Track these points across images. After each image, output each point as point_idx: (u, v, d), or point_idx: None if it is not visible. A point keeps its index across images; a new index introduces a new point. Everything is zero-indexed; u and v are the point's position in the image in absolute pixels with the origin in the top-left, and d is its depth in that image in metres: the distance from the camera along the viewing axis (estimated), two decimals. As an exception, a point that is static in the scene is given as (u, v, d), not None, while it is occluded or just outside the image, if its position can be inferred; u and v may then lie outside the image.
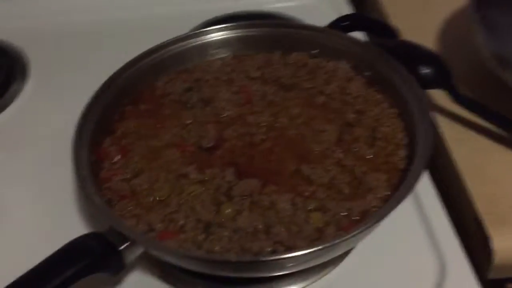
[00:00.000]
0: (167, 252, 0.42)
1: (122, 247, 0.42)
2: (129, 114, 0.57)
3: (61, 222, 0.54)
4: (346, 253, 0.49)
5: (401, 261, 0.49)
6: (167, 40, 0.62)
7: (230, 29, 0.63)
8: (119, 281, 0.48)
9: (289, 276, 0.47)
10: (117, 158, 0.52)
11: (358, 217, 0.46)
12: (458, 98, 0.56)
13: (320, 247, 0.40)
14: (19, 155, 0.63)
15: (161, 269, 0.49)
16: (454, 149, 0.56)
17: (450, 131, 0.57)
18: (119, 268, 0.42)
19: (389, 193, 0.47)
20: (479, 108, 0.56)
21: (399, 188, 0.45)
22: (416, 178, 0.44)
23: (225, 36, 0.63)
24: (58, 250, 0.40)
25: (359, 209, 0.46)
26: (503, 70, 0.56)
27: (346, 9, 0.81)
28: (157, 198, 0.48)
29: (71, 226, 0.53)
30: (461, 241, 0.50)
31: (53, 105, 0.69)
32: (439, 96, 0.59)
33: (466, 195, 0.52)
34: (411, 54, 0.58)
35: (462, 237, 0.50)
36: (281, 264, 0.42)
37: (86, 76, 0.70)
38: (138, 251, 0.43)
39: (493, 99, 0.57)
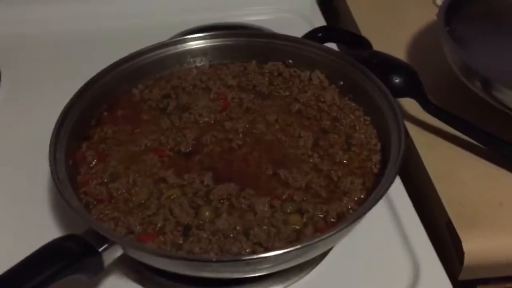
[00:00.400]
0: (148, 253, 0.42)
1: (101, 248, 0.42)
2: (106, 119, 0.57)
3: (36, 228, 0.53)
4: (323, 256, 0.50)
5: (376, 263, 0.50)
6: (144, 48, 0.62)
7: (207, 38, 0.64)
8: (96, 285, 0.48)
9: (267, 277, 0.48)
10: (94, 162, 0.52)
11: (334, 219, 0.47)
12: (428, 107, 0.58)
13: (298, 247, 0.41)
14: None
15: (139, 274, 0.49)
16: (424, 155, 0.58)
17: (420, 138, 0.59)
18: (98, 270, 0.42)
19: (364, 196, 0.49)
20: (448, 117, 0.58)
21: (373, 191, 0.46)
22: (389, 182, 0.45)
23: (202, 45, 0.64)
24: (35, 251, 0.40)
25: (335, 211, 0.47)
26: (470, 79, 0.59)
27: (320, 23, 0.83)
28: (136, 202, 0.48)
29: (47, 231, 0.52)
30: (434, 244, 0.51)
31: (25, 115, 0.68)
32: (410, 105, 0.61)
33: (437, 199, 0.54)
34: (383, 64, 0.60)
35: (434, 241, 0.52)
36: (261, 263, 0.42)
37: (59, 87, 0.70)
38: (117, 253, 0.43)
39: (461, 107, 0.60)
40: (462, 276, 0.51)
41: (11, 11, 0.81)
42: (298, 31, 0.77)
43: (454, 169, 0.56)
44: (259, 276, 0.47)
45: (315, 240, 0.41)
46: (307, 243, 0.41)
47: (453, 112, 0.58)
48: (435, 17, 0.81)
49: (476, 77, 0.58)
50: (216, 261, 0.41)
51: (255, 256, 0.41)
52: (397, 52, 0.66)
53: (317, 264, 0.50)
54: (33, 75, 0.74)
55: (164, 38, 0.76)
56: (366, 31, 0.76)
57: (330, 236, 0.42)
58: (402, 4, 0.87)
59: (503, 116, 0.58)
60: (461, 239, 0.50)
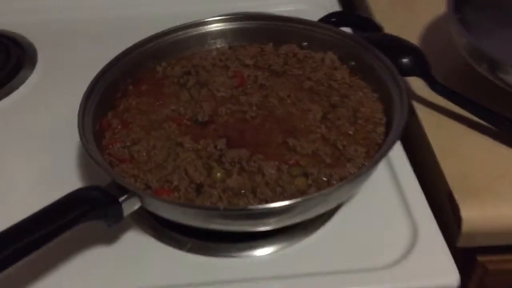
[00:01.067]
0: (162, 203, 0.46)
1: (122, 198, 0.46)
2: (131, 92, 0.62)
3: (63, 183, 0.57)
4: (327, 219, 0.53)
5: (377, 225, 0.52)
6: (168, 28, 0.67)
7: (226, 21, 0.68)
8: (115, 238, 0.52)
9: (274, 236, 0.51)
10: (118, 128, 0.57)
11: (337, 182, 0.50)
12: (435, 86, 0.61)
13: (299, 200, 0.45)
14: (22, 135, 0.67)
15: (154, 228, 0.53)
16: (430, 133, 0.60)
17: (426, 116, 0.62)
18: (118, 219, 0.46)
19: (367, 163, 0.52)
20: (453, 96, 0.61)
21: (375, 155, 0.50)
22: (390, 145, 0.48)
23: (222, 28, 0.68)
24: (61, 197, 0.44)
25: (338, 175, 0.50)
26: (477, 61, 0.61)
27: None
28: (154, 163, 0.53)
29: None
30: (435, 215, 0.54)
31: (57, 92, 0.73)
32: (418, 85, 0.64)
33: (440, 172, 0.56)
34: (393, 46, 0.63)
35: (435, 213, 0.54)
36: (265, 216, 0.45)
37: (88, 68, 0.76)
38: (136, 205, 0.47)
39: (468, 89, 0.62)
40: (461, 243, 0.53)
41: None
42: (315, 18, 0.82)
43: (458, 145, 0.59)
44: (266, 234, 0.51)
45: (316, 194, 0.45)
46: (308, 197, 0.45)
47: (458, 92, 0.60)
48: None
49: (483, 58, 0.61)
50: (224, 209, 0.45)
51: (259, 206, 0.45)
52: (409, 38, 0.69)
53: (320, 226, 0.53)
54: (67, 58, 0.80)
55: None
56: (380, 18, 0.78)
57: (330, 192, 0.45)
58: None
59: (509, 97, 0.60)
60: (460, 207, 0.52)
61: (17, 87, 0.73)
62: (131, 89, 0.62)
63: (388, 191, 0.55)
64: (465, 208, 0.52)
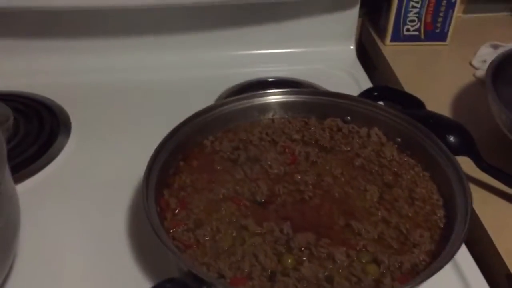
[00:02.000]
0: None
1: (201, 291, 0.45)
2: (183, 169, 0.62)
3: (116, 271, 0.57)
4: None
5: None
6: (213, 104, 0.67)
7: (270, 95, 0.69)
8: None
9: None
10: (178, 210, 0.56)
11: (408, 269, 0.50)
12: (481, 165, 0.63)
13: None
14: (66, 203, 0.66)
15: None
16: (479, 210, 0.62)
17: (474, 194, 0.63)
18: (196, 312, 0.46)
19: (432, 248, 0.53)
20: (500, 174, 0.62)
21: (445, 248, 0.50)
22: (458, 244, 0.49)
23: (265, 101, 0.69)
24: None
25: (409, 262, 0.51)
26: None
27: (363, 78, 0.88)
28: (221, 248, 0.52)
29: (128, 274, 0.56)
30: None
31: (96, 160, 0.73)
32: (462, 161, 0.65)
33: (495, 252, 0.57)
34: (438, 124, 0.65)
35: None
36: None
37: (124, 133, 0.76)
38: (212, 296, 0.47)
39: (509, 163, 0.64)
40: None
41: (80, 61, 0.87)
42: (343, 86, 0.84)
43: (507, 223, 0.60)
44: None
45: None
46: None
47: (504, 170, 0.62)
48: (473, 77, 0.87)
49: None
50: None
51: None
52: (441, 111, 0.71)
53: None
54: (100, 123, 0.79)
55: (213, 90, 0.83)
56: (408, 88, 0.81)
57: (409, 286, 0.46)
58: (439, 63, 0.93)
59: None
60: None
61: (54, 157, 0.72)
62: (182, 165, 0.62)
63: (447, 275, 0.56)
64: (528, 292, 0.53)
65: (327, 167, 0.62)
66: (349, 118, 0.68)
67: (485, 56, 0.90)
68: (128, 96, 0.85)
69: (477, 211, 0.62)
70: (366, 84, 0.87)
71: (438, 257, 0.51)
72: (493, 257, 0.58)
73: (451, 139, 0.63)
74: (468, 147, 0.63)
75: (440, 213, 0.56)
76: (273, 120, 0.69)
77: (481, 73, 0.87)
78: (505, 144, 0.67)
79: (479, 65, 0.89)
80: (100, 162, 0.72)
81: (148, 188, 0.55)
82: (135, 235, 0.61)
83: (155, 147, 0.59)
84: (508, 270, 0.55)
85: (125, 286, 0.55)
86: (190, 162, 0.63)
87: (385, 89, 0.73)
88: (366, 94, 0.71)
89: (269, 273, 0.50)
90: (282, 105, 0.69)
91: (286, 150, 0.64)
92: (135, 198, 0.65)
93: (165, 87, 0.87)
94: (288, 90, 0.70)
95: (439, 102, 0.79)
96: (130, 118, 0.80)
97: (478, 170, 0.64)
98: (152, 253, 0.58)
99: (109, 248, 0.60)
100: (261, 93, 0.69)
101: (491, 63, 0.72)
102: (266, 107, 0.69)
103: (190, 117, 0.64)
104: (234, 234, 0.53)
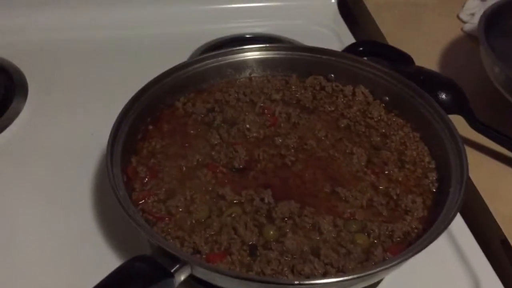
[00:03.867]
0: (225, 275, 0.41)
1: (174, 269, 0.41)
2: (152, 133, 0.56)
3: (81, 248, 0.52)
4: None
5: (436, 281, 0.50)
6: (186, 61, 0.61)
7: (247, 51, 0.63)
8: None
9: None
10: (147, 178, 0.51)
11: (400, 238, 0.47)
12: (475, 124, 0.59)
13: (379, 269, 0.41)
14: (24, 172, 0.60)
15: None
16: (472, 173, 0.58)
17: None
18: (169, 292, 0.41)
19: (425, 214, 0.49)
20: (494, 134, 0.59)
21: (439, 215, 0.46)
22: (454, 212, 0.45)
23: (242, 58, 0.63)
24: (111, 274, 0.39)
25: (401, 231, 0.47)
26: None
27: (346, 35, 0.83)
28: (196, 220, 0.47)
29: (94, 251, 0.51)
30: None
31: (56, 126, 0.66)
32: (455, 121, 0.61)
33: (490, 217, 0.54)
34: (429, 81, 0.60)
35: (487, 257, 0.52)
36: (342, 284, 0.41)
37: (86, 95, 0.70)
38: (186, 273, 0.42)
39: (500, 120, 0.60)
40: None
41: (38, 19, 0.80)
42: (325, 42, 0.78)
43: (501, 185, 0.57)
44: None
45: (395, 262, 0.41)
46: (384, 267, 0.41)
47: (498, 129, 0.58)
48: (461, 32, 0.82)
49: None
50: (299, 284, 0.40)
51: (340, 279, 0.40)
52: (430, 67, 0.67)
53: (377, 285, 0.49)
54: (59, 83, 0.73)
55: (186, 48, 0.77)
56: (394, 44, 0.76)
57: (403, 260, 0.42)
58: (425, 17, 0.88)
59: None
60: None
61: (9, 123, 0.65)
62: (151, 129, 0.56)
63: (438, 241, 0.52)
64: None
65: (310, 129, 0.57)
66: (332, 75, 0.63)
67: (473, 9, 0.85)
68: (93, 55, 0.78)
69: (470, 174, 0.58)
70: (349, 40, 0.81)
71: (431, 224, 0.47)
72: (487, 222, 0.54)
73: (443, 96, 0.59)
74: (460, 105, 0.59)
75: (432, 176, 0.52)
76: (250, 78, 0.63)
77: (469, 27, 0.82)
78: (498, 101, 0.62)
79: (467, 18, 0.84)
80: (61, 128, 0.66)
81: (113, 156, 0.49)
82: (102, 208, 0.55)
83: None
84: (504, 235, 0.52)
85: (91, 264, 0.50)
86: (160, 126, 0.57)
87: (371, 44, 0.68)
88: (350, 49, 0.66)
89: (250, 246, 0.45)
90: (260, 62, 0.63)
91: (266, 111, 0.59)
92: (100, 167, 0.60)
93: (134, 45, 0.80)
94: (267, 46, 0.64)
95: (426, 58, 0.74)
96: (94, 79, 0.74)
97: (470, 129, 0.60)
98: (121, 228, 0.53)
99: (72, 223, 0.54)
100: (237, 50, 0.63)
101: (483, 14, 0.67)
102: (243, 65, 0.63)
103: (159, 76, 0.58)
104: (209, 204, 0.49)
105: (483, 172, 0.58)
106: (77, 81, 0.73)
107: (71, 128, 0.66)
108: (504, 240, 0.52)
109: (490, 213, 0.54)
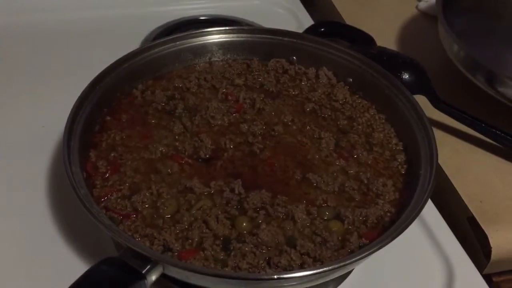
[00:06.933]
0: (199, 273, 0.39)
1: (145, 270, 0.38)
2: (111, 125, 0.53)
3: (42, 254, 0.48)
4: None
5: (408, 264, 0.50)
6: (142, 47, 0.58)
7: (206, 35, 0.61)
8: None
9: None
10: (108, 173, 0.48)
11: (374, 223, 0.46)
12: (437, 103, 0.59)
13: (358, 257, 0.40)
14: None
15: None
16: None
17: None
18: (141, 294, 0.39)
19: (397, 197, 0.48)
20: (456, 113, 0.59)
21: (411, 198, 0.46)
22: (426, 196, 0.44)
23: (201, 42, 0.61)
24: (77, 282, 0.36)
25: (374, 215, 0.46)
26: (473, 74, 0.60)
27: (303, 14, 0.81)
28: (164, 216, 0.45)
29: (57, 256, 0.48)
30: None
31: (2, 119, 0.62)
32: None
33: (456, 194, 0.54)
34: (393, 61, 0.60)
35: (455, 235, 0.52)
36: (320, 275, 0.40)
37: (30, 83, 0.66)
38: (158, 273, 0.40)
39: (461, 99, 0.60)
40: (487, 271, 0.52)
41: None
42: (282, 23, 0.77)
43: (466, 164, 0.58)
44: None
45: (366, 253, 0.40)
46: (363, 255, 0.40)
47: (461, 108, 0.59)
48: (416, 10, 0.83)
49: (480, 71, 0.59)
50: (278, 279, 0.39)
51: (319, 270, 0.39)
52: (387, 46, 0.66)
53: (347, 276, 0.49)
54: (8, 75, 0.67)
55: (137, 32, 0.73)
56: (350, 23, 0.75)
57: (380, 246, 0.41)
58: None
59: (506, 109, 0.59)
60: (488, 235, 0.50)
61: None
62: (109, 120, 0.53)
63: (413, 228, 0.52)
64: (492, 235, 0.51)
65: (276, 115, 0.56)
66: (294, 58, 0.61)
67: (426, -13, 0.85)
68: (39, 41, 0.73)
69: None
70: (306, 19, 0.80)
71: (403, 207, 0.46)
72: (453, 200, 0.55)
73: (406, 77, 0.59)
74: (423, 86, 0.59)
75: (401, 158, 0.52)
76: (210, 63, 0.61)
77: (424, 5, 0.82)
78: (457, 79, 0.63)
79: (421, -4, 0.85)
80: (10, 122, 0.61)
81: (70, 151, 0.46)
82: (59, 208, 0.52)
83: (74, 101, 0.49)
84: (470, 212, 0.52)
85: (52, 272, 0.46)
86: (119, 116, 0.54)
87: (332, 25, 0.67)
88: (311, 30, 0.64)
89: (223, 240, 0.43)
90: (220, 46, 0.61)
91: (229, 97, 0.57)
92: (54, 162, 0.56)
93: (82, 29, 0.76)
94: (226, 28, 0.61)
95: (383, 37, 0.73)
96: (41, 67, 0.69)
97: (432, 109, 0.60)
98: (82, 228, 0.49)
99: (30, 227, 0.50)
100: (195, 33, 0.60)
101: (440, -7, 0.67)
102: (202, 49, 0.61)
103: (115, 62, 0.55)
104: (178, 198, 0.46)
105: (447, 151, 0.58)
106: (23, 69, 0.69)
107: (19, 120, 0.61)
108: (471, 217, 0.52)
109: (456, 191, 0.55)
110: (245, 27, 0.67)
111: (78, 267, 0.43)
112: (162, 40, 0.59)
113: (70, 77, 0.64)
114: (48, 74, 0.67)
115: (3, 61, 0.69)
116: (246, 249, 0.43)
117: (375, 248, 0.40)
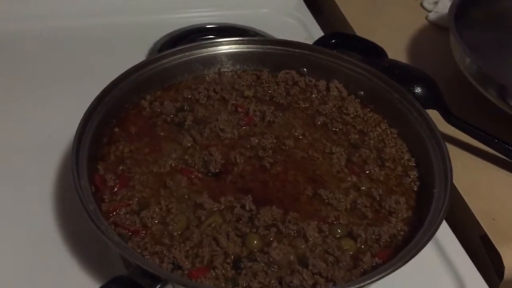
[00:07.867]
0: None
1: (155, 290, 0.38)
2: (119, 136, 0.52)
3: (49, 272, 0.48)
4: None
5: (420, 283, 0.49)
6: (151, 57, 0.58)
7: (216, 45, 0.60)
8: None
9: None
10: (116, 187, 0.47)
11: (387, 242, 0.45)
12: (450, 118, 0.58)
13: (374, 279, 0.39)
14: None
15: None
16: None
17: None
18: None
19: (409, 215, 0.48)
20: (469, 128, 0.58)
21: (425, 217, 0.45)
22: (441, 217, 0.44)
23: (211, 53, 0.60)
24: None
25: (387, 234, 0.45)
26: (485, 87, 0.59)
27: (311, 23, 0.81)
28: (174, 232, 0.44)
29: (64, 274, 0.47)
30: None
31: (8, 127, 0.61)
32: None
33: (469, 212, 0.53)
34: (404, 75, 0.59)
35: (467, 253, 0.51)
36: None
37: (38, 90, 0.65)
38: (168, 292, 0.39)
39: (471, 111, 0.60)
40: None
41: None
42: (291, 32, 0.76)
43: (478, 180, 0.57)
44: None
45: (380, 275, 0.39)
46: (377, 277, 0.39)
47: (473, 123, 0.58)
48: (426, 20, 0.82)
49: (492, 85, 0.59)
50: (291, 301, 0.38)
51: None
52: (397, 58, 0.66)
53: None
54: (15, 81, 0.67)
55: (144, 41, 0.73)
56: (359, 34, 0.74)
57: (394, 268, 0.40)
58: (388, 5, 0.87)
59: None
60: (501, 254, 0.50)
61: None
62: (117, 132, 0.52)
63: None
64: (505, 254, 0.50)
65: (286, 128, 0.55)
66: (305, 69, 0.60)
67: (436, -3, 0.85)
68: (47, 48, 0.72)
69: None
70: (316, 30, 0.79)
71: (416, 226, 0.46)
72: (465, 218, 0.54)
73: (418, 90, 0.58)
74: (435, 100, 0.58)
75: (414, 174, 0.51)
76: (220, 74, 0.60)
77: (434, 16, 0.82)
78: (468, 92, 0.62)
79: (431, 7, 0.84)
80: (15, 130, 0.60)
81: (78, 165, 0.45)
82: (68, 224, 0.51)
83: (83, 113, 0.49)
84: (483, 230, 0.51)
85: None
86: (127, 128, 0.53)
87: (343, 36, 0.66)
88: (322, 41, 0.64)
89: (233, 259, 0.43)
90: (230, 56, 0.60)
91: (239, 109, 0.56)
92: (60, 174, 0.55)
93: (88, 37, 0.75)
94: (236, 39, 0.61)
95: (393, 48, 0.73)
96: (50, 75, 0.69)
97: (443, 124, 0.59)
98: (91, 242, 0.48)
99: (37, 244, 0.49)
100: (205, 43, 0.60)
101: (452, 4, 0.66)
102: (212, 60, 0.60)
103: (123, 73, 0.54)
104: (187, 214, 0.46)
105: (459, 167, 0.57)
106: (29, 78, 0.68)
107: (25, 129, 0.61)
108: (484, 236, 0.51)
109: (468, 208, 0.54)
110: (256, 38, 0.67)
111: (86, 283, 0.42)
112: (171, 50, 0.58)
113: (75, 85, 0.63)
114: (53, 83, 0.67)
115: (9, 69, 0.68)
116: (257, 267, 0.42)
117: (389, 270, 0.40)
